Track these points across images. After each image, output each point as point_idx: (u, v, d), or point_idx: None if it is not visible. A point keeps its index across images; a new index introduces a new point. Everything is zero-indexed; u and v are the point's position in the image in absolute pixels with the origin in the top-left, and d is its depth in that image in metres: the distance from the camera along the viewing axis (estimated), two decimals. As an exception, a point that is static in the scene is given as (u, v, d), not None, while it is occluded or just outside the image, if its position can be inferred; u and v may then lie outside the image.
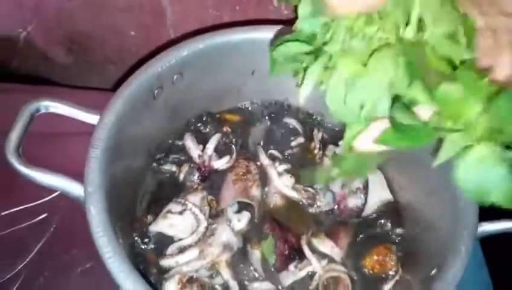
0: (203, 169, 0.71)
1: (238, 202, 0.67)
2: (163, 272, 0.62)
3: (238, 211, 0.66)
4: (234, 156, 0.72)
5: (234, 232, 0.64)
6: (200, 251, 0.61)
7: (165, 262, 0.62)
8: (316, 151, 0.75)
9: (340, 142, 0.75)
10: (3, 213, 0.71)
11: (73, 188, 0.52)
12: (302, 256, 0.63)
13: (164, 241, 0.64)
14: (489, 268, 0.72)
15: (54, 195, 0.71)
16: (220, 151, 0.73)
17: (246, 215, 0.65)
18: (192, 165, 0.71)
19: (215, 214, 0.67)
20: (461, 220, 0.54)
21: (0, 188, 0.73)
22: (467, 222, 0.53)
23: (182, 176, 0.70)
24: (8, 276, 0.67)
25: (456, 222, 0.54)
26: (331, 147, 0.75)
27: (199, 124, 0.75)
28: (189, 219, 0.64)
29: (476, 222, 0.53)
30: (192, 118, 0.74)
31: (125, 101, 0.58)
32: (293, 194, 0.70)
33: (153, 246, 0.65)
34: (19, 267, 0.67)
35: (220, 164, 0.71)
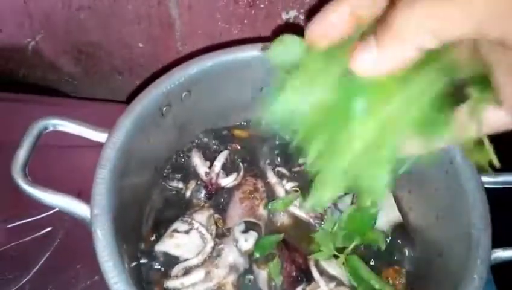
0: (209, 187, 0.70)
1: (245, 221, 0.66)
2: (168, 293, 0.61)
3: (245, 231, 0.65)
4: (242, 173, 0.72)
5: (241, 252, 0.64)
6: (206, 273, 0.61)
7: (170, 284, 0.61)
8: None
9: None
10: (8, 226, 0.70)
11: (80, 209, 0.52)
12: (309, 278, 0.62)
13: (170, 261, 0.63)
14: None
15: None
16: (227, 169, 0.72)
17: (252, 236, 0.64)
18: (199, 182, 0.70)
19: (222, 234, 0.66)
20: (474, 247, 0.52)
21: (6, 201, 0.72)
22: (480, 249, 0.52)
23: (188, 193, 0.69)
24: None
25: (468, 248, 0.53)
26: None
27: (206, 140, 0.74)
28: (195, 239, 0.63)
29: (490, 249, 0.52)
30: (199, 134, 0.74)
31: (134, 120, 0.57)
32: (301, 213, 0.69)
33: (158, 267, 0.64)
34: (23, 281, 0.67)
35: (227, 181, 0.70)
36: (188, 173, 0.71)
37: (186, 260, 0.62)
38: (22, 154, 0.52)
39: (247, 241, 0.64)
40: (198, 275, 0.60)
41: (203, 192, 0.70)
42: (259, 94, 0.71)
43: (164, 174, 0.71)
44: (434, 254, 0.61)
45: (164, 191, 0.70)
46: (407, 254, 0.67)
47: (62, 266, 0.68)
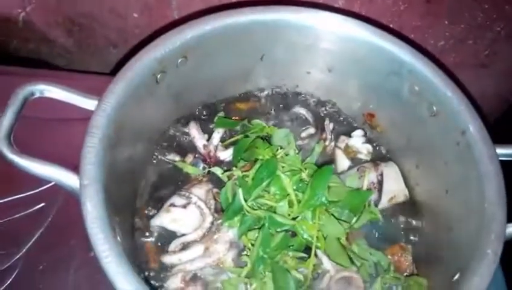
0: (208, 160, 0.67)
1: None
2: (165, 269, 0.59)
3: None
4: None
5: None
6: (205, 248, 0.58)
7: (167, 259, 0.58)
8: (327, 142, 0.71)
9: (353, 133, 0.72)
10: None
11: (69, 179, 0.48)
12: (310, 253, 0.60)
13: (166, 237, 0.61)
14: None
15: (51, 184, 0.69)
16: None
17: None
18: (197, 155, 0.67)
19: (221, 208, 0.63)
20: (487, 221, 0.49)
21: (-4, 176, 0.70)
22: (495, 224, 0.49)
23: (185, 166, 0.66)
24: (4, 267, 0.65)
25: (481, 223, 0.50)
26: (343, 137, 0.72)
27: (205, 112, 0.71)
28: (193, 213, 0.60)
29: (504, 224, 0.49)
30: (198, 106, 0.71)
31: (125, 86, 0.53)
32: None
33: (153, 240, 0.62)
34: (15, 258, 0.65)
35: (226, 154, 0.67)
36: (185, 146, 0.68)
37: (183, 235, 0.60)
38: (6, 122, 0.48)
39: None
40: (197, 250, 0.58)
41: (201, 165, 0.67)
42: (259, 63, 0.68)
43: (160, 147, 0.68)
44: (443, 230, 0.58)
45: (160, 164, 0.67)
46: (413, 229, 0.65)
47: (55, 243, 0.67)
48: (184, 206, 0.60)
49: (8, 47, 0.97)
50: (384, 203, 0.65)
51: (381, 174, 0.65)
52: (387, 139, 0.71)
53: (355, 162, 0.70)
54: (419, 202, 0.66)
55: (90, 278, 0.65)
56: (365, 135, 0.73)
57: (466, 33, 0.80)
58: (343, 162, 0.69)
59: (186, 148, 0.69)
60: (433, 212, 0.63)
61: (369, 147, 0.71)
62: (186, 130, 0.69)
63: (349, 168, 0.69)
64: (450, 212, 0.58)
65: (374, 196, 0.64)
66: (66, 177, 0.48)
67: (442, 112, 0.59)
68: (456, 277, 0.48)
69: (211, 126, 0.71)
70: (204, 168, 0.67)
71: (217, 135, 0.68)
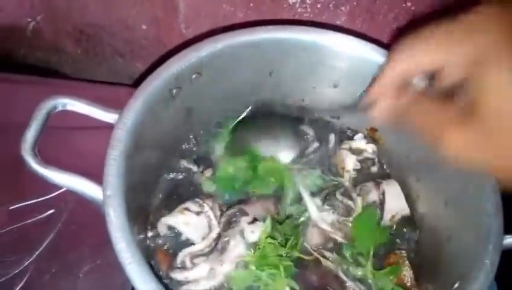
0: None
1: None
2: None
3: (252, 222, 0.64)
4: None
5: (247, 245, 0.62)
6: (211, 269, 0.60)
7: (174, 275, 0.61)
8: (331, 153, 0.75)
9: (356, 136, 0.75)
10: (11, 208, 0.70)
11: (91, 189, 0.51)
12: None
13: (175, 243, 0.64)
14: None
15: (61, 191, 0.70)
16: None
17: (259, 226, 0.63)
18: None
19: (227, 221, 0.65)
20: (485, 232, 0.53)
21: (8, 182, 0.72)
22: (492, 235, 0.52)
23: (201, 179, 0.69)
24: (15, 272, 0.66)
25: (479, 234, 0.53)
26: (346, 141, 0.75)
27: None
28: (202, 222, 0.62)
29: (501, 234, 0.52)
30: (210, 119, 0.74)
31: (144, 101, 0.56)
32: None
33: (162, 242, 0.64)
34: (26, 263, 0.66)
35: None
36: (200, 158, 0.72)
37: (191, 244, 0.62)
38: (31, 134, 0.51)
39: (254, 233, 0.62)
40: (202, 270, 0.59)
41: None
42: (268, 78, 0.71)
43: (175, 157, 0.71)
44: (442, 240, 0.61)
45: (173, 174, 0.70)
46: (412, 240, 0.68)
47: (65, 249, 0.68)
48: (197, 213, 0.63)
49: (17, 55, 0.98)
50: (386, 221, 0.68)
51: (383, 193, 0.68)
52: (389, 153, 0.75)
53: (363, 163, 0.72)
54: (419, 214, 0.69)
55: (98, 283, 0.67)
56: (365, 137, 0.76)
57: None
58: (350, 162, 0.72)
59: (203, 161, 0.72)
60: (432, 224, 0.66)
61: (373, 146, 0.74)
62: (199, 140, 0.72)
63: (358, 171, 0.72)
64: (448, 223, 0.61)
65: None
66: (89, 188, 0.51)
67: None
68: (456, 285, 0.51)
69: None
70: None
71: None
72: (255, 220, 0.63)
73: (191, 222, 0.62)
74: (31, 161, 0.49)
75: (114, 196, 0.49)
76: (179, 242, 0.64)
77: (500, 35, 0.40)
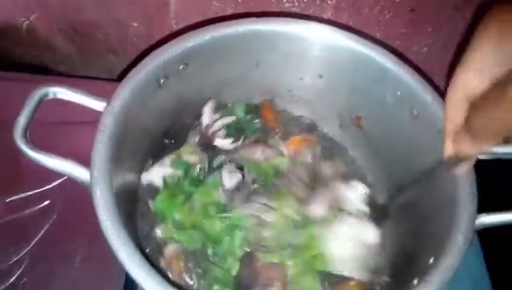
0: (203, 140, 0.71)
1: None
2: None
3: (232, 171, 0.67)
4: (240, 143, 0.73)
5: (223, 189, 0.66)
6: None
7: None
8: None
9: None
10: (7, 200, 0.71)
11: (80, 172, 0.53)
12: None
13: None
14: (486, 259, 0.73)
15: (57, 182, 0.72)
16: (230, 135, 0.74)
17: (236, 177, 0.67)
18: (198, 128, 0.72)
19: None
20: (459, 211, 0.54)
21: (5, 175, 0.73)
22: (466, 214, 0.54)
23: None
24: (13, 261, 0.67)
25: (454, 214, 0.54)
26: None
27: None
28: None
29: (475, 215, 0.54)
30: (199, 107, 0.75)
31: (131, 89, 0.58)
32: None
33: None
34: (23, 253, 0.68)
35: (221, 143, 0.72)
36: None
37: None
38: (23, 119, 0.53)
39: (230, 182, 0.66)
40: None
41: (197, 138, 0.72)
42: (255, 69, 0.73)
43: (161, 144, 0.73)
44: (422, 221, 0.63)
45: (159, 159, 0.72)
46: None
47: (61, 239, 0.70)
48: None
49: (13, 54, 1.00)
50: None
51: None
52: (371, 139, 0.77)
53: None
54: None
55: (94, 270, 0.68)
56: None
57: (449, 39, 0.84)
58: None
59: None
60: (413, 207, 0.67)
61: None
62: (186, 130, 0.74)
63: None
64: (427, 205, 0.63)
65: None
66: (78, 171, 0.53)
67: (421, 115, 0.65)
68: (431, 260, 0.53)
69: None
70: (198, 141, 0.71)
71: (222, 121, 0.72)
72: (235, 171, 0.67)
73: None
74: (23, 145, 0.52)
75: (100, 177, 0.51)
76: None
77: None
